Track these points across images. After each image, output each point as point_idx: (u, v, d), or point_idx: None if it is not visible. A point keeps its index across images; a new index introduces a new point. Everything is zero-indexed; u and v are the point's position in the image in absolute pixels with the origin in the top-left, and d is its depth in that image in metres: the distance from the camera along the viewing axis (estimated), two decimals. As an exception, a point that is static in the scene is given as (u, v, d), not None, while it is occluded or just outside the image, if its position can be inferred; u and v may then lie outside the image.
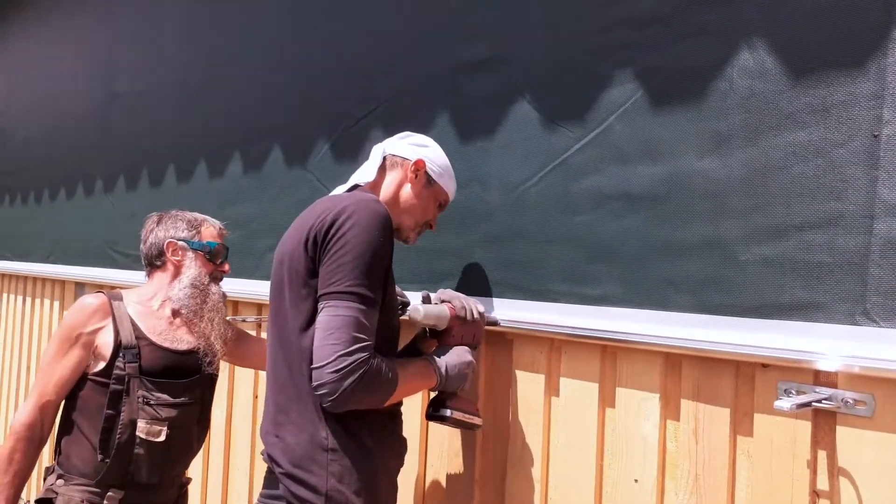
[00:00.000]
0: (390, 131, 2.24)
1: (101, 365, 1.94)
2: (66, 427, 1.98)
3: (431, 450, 2.06)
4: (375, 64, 2.32)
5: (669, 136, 1.58)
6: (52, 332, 4.28)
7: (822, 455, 1.33)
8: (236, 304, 2.83)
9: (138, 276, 3.43)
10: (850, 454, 1.29)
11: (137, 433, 1.91)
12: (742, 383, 1.46)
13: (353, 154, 2.36)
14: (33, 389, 1.94)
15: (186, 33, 3.33)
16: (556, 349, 1.79)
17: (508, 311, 1.85)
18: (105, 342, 1.95)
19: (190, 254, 2.06)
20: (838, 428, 1.31)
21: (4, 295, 4.97)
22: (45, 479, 1.98)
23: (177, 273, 2.05)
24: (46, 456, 3.79)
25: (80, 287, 4.03)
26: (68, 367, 1.94)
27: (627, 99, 1.65)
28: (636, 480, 1.60)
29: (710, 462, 1.48)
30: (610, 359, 1.68)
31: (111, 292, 2.06)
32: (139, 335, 1.97)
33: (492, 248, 1.93)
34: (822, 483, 1.33)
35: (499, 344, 1.92)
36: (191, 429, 2.03)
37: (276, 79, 2.75)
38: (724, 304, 1.48)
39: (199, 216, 2.15)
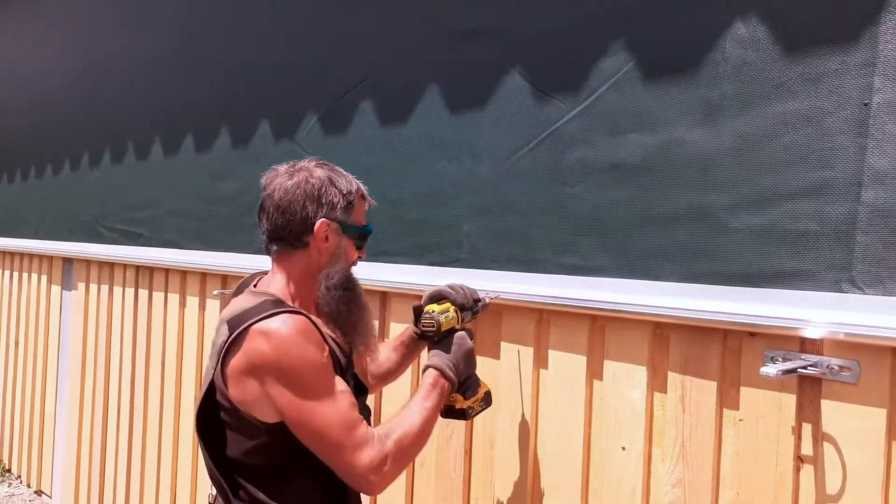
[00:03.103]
0: (379, 102, 2.23)
1: None
2: (275, 486, 1.43)
3: (421, 421, 2.07)
4: (364, 35, 2.30)
5: (661, 106, 1.57)
6: (40, 306, 4.26)
7: (806, 422, 1.35)
8: (225, 278, 2.82)
9: (127, 251, 3.41)
10: (835, 420, 1.31)
11: None
12: (729, 352, 1.47)
13: (341, 126, 2.35)
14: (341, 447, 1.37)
15: (173, 6, 3.28)
16: (544, 321, 1.80)
17: (497, 283, 1.84)
18: None
19: (343, 241, 1.50)
20: (823, 394, 1.32)
21: (-9, 271, 4.94)
22: None
23: (319, 262, 1.49)
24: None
25: (68, 262, 4.00)
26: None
27: (619, 69, 1.64)
28: (623, 448, 1.61)
29: (696, 429, 1.50)
30: (598, 331, 1.69)
31: (281, 301, 1.44)
32: (343, 352, 1.51)
33: (481, 220, 1.93)
34: (807, 449, 1.34)
35: (487, 315, 1.92)
36: None
37: (264, 51, 2.72)
38: (712, 272, 1.48)
39: (352, 179, 1.53)
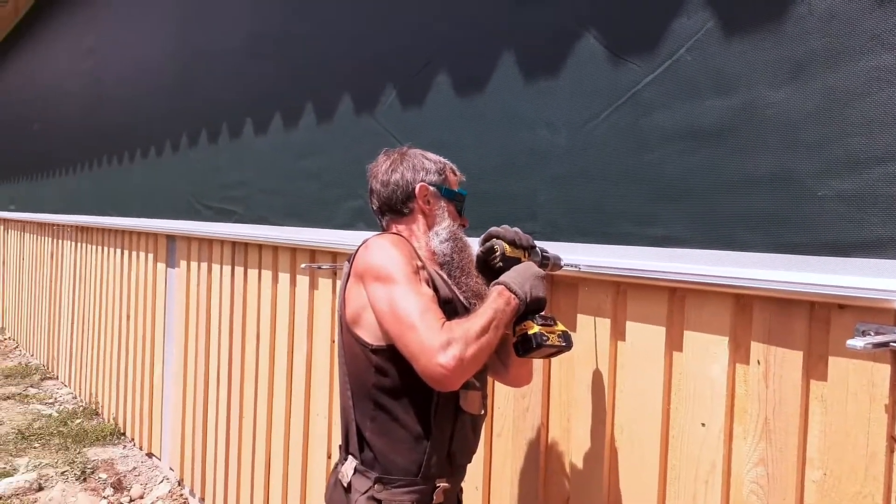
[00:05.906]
0: (455, 75, 2.22)
1: None
2: (375, 418, 1.56)
3: (498, 392, 2.08)
4: (437, 6, 2.29)
5: (743, 66, 1.49)
6: (147, 282, 4.53)
7: (901, 399, 1.26)
8: (313, 253, 2.90)
9: (222, 227, 3.57)
10: (933, 399, 1.21)
11: (461, 403, 1.58)
12: (816, 325, 1.38)
13: (419, 100, 2.35)
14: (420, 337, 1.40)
15: (261, -12, 3.38)
16: (621, 293, 1.76)
17: (573, 255, 1.81)
18: None
19: (442, 202, 1.67)
20: (920, 371, 1.23)
21: (107, 248, 5.29)
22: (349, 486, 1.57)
23: (427, 226, 1.65)
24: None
25: (171, 239, 4.23)
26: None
27: (699, 29, 1.56)
28: (703, 424, 1.56)
29: (780, 406, 1.43)
30: (678, 302, 1.63)
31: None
32: (449, 288, 1.59)
33: (556, 191, 1.89)
34: (901, 428, 1.25)
35: (563, 288, 1.89)
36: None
37: (343, 27, 2.76)
38: (798, 242, 1.40)
39: (440, 157, 1.73)
